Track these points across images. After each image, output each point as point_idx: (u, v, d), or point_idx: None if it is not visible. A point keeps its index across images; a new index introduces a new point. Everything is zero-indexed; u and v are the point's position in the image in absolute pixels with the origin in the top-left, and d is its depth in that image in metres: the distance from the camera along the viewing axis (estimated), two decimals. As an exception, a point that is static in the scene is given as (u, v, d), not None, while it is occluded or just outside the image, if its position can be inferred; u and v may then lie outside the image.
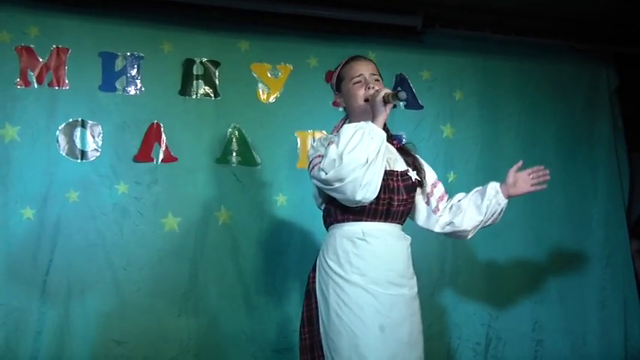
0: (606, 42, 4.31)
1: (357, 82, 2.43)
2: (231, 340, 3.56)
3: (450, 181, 3.99)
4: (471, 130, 4.15)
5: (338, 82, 2.54)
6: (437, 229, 2.58)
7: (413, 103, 4.06)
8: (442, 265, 3.98)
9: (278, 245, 3.72)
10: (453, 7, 3.95)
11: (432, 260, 3.91)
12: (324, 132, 3.73)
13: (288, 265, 3.68)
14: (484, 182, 3.96)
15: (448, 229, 2.57)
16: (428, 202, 2.58)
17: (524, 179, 2.59)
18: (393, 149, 2.52)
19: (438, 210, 2.57)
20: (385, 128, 2.32)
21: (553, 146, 4.24)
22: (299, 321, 2.45)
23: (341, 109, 2.59)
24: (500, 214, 2.57)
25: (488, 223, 2.59)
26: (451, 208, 2.59)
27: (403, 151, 2.57)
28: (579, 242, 4.20)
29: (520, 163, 2.60)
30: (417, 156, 2.60)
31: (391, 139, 2.54)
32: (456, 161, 4.08)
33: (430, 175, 2.61)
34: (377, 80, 2.45)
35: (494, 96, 4.21)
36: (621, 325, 4.16)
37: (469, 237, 2.62)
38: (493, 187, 2.57)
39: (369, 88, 2.39)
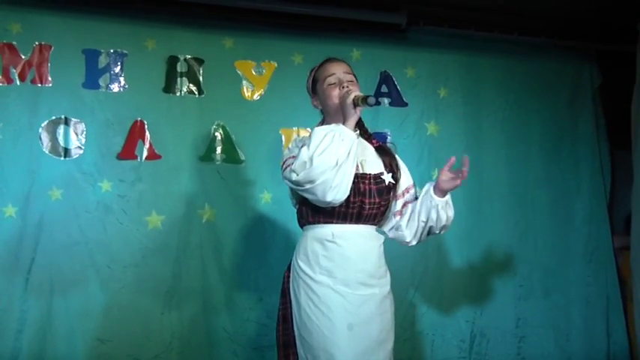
0: (590, 40, 4.32)
1: (332, 83, 2.42)
2: (213, 338, 3.56)
3: (434, 178, 3.94)
4: (456, 127, 4.16)
5: (313, 85, 2.53)
6: (389, 234, 2.53)
7: (397, 101, 4.06)
8: (426, 262, 3.97)
9: (261, 243, 3.71)
10: (437, 4, 3.95)
11: (415, 258, 3.90)
12: (309, 129, 3.66)
13: (271, 263, 3.66)
14: (469, 179, 4.06)
15: (392, 233, 2.52)
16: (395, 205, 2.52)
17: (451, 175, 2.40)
18: (371, 149, 2.51)
19: (400, 214, 2.50)
20: (364, 128, 2.32)
21: (537, 143, 4.26)
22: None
23: (318, 110, 2.56)
24: (438, 212, 2.40)
25: (430, 225, 2.44)
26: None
27: (381, 150, 2.54)
28: (563, 238, 4.22)
29: (453, 160, 2.38)
30: (397, 157, 2.56)
31: (370, 138, 2.54)
32: (441, 158, 4.05)
33: (405, 179, 2.55)
34: (351, 81, 2.43)
35: (479, 93, 4.22)
36: (604, 320, 4.18)
37: (411, 244, 2.50)
38: (425, 187, 2.45)
39: (343, 87, 2.38)
